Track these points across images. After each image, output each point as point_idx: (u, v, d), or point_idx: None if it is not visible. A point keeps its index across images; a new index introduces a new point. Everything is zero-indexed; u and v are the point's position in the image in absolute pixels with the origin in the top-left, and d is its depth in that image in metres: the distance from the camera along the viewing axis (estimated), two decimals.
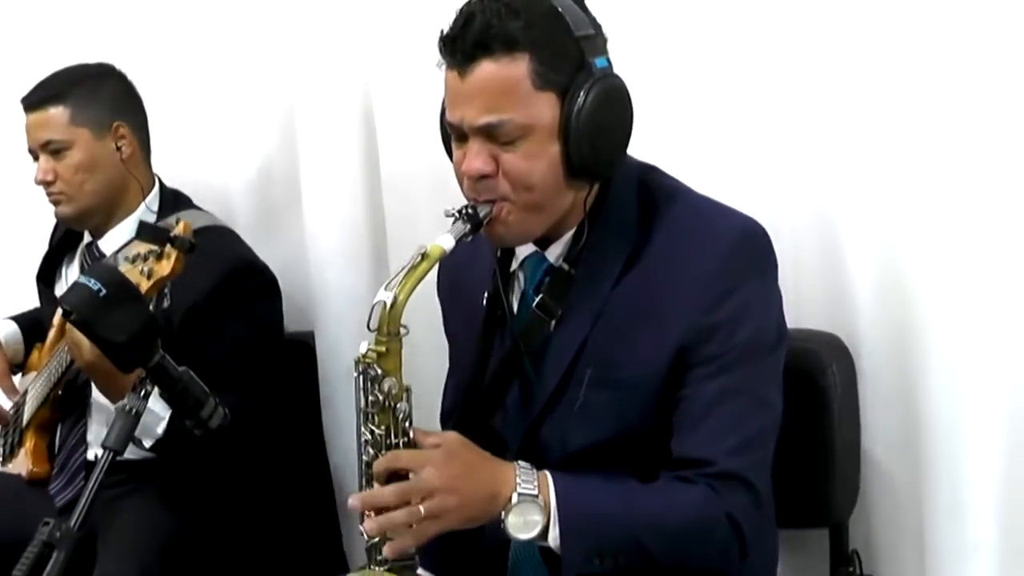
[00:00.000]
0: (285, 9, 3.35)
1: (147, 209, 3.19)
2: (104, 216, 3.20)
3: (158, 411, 2.77)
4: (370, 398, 2.12)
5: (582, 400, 2.22)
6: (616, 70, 2.20)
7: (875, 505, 2.72)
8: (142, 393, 2.23)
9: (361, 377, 2.13)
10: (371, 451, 2.13)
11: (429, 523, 2.06)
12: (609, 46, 2.21)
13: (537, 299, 2.26)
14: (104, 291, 2.16)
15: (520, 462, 2.14)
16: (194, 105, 3.57)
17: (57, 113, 3.14)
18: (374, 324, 2.10)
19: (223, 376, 2.55)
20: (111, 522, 3.03)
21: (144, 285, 2.46)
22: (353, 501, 2.12)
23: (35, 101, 3.17)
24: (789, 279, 2.56)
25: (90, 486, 2.19)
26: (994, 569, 2.58)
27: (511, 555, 2.32)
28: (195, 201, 3.31)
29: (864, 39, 2.64)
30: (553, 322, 2.24)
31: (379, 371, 2.11)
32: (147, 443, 2.81)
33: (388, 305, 2.09)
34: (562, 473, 2.15)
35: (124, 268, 2.46)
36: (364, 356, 2.12)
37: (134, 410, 2.21)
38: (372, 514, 2.09)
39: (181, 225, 2.54)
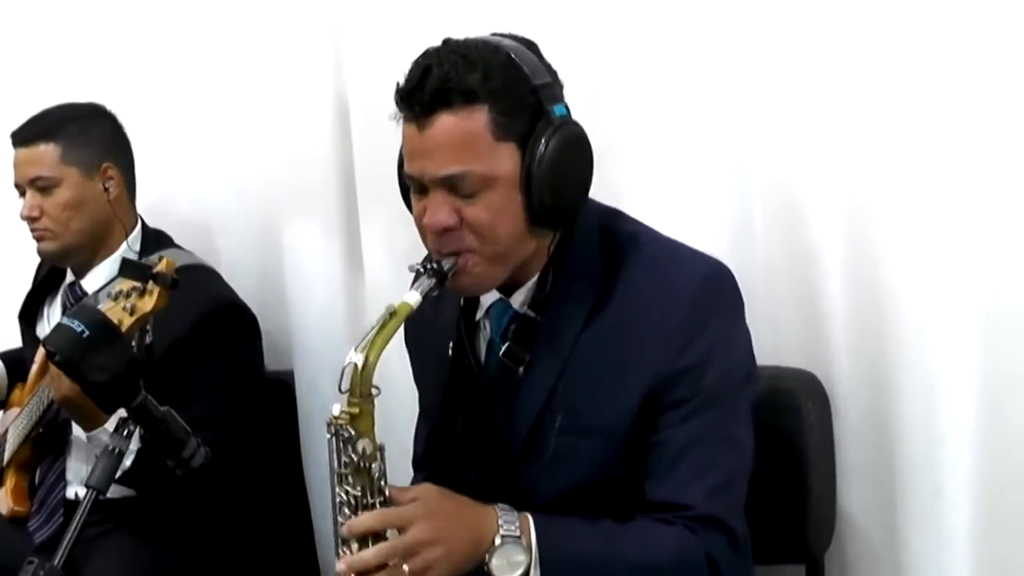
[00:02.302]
0: (267, 49, 3.37)
1: (129, 249, 3.21)
2: (87, 254, 3.22)
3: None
4: (343, 459, 2.11)
5: (553, 448, 2.22)
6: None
7: (850, 541, 2.74)
8: (124, 433, 2.26)
9: (334, 439, 2.11)
10: (347, 512, 2.12)
11: None
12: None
13: (504, 347, 2.26)
14: (87, 332, 2.19)
15: (500, 504, 2.14)
16: (176, 146, 3.60)
17: (48, 150, 3.16)
18: (345, 386, 2.09)
19: (203, 414, 2.57)
20: (91, 562, 3.04)
21: (127, 321, 2.48)
22: (340, 566, 2.10)
23: (26, 137, 3.19)
24: (764, 316, 2.64)
25: (73, 525, 2.22)
26: None
27: None
28: (177, 241, 3.33)
29: (838, 52, 2.66)
30: (521, 369, 2.24)
31: (352, 432, 2.09)
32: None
33: (359, 367, 2.08)
34: (542, 514, 2.15)
35: (107, 305, 2.49)
36: (337, 418, 2.10)
37: (117, 449, 2.25)
38: None
39: (163, 262, 2.56)
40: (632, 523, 2.18)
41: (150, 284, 2.52)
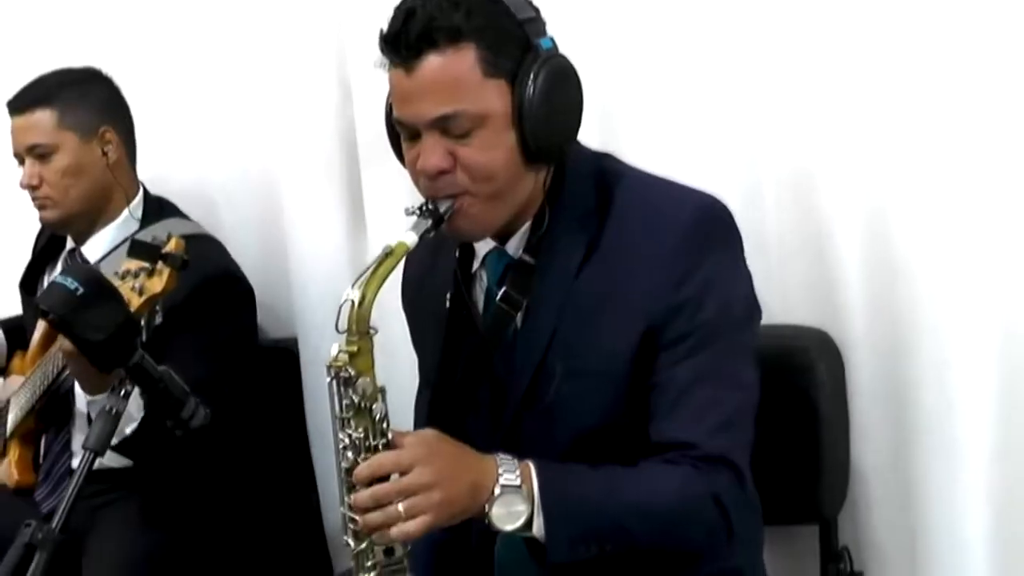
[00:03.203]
0: (269, 22, 3.35)
1: (131, 216, 3.20)
2: (88, 222, 3.20)
3: (131, 412, 2.72)
4: (345, 402, 2.10)
5: (555, 395, 2.21)
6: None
7: (865, 501, 2.72)
8: (122, 393, 2.23)
9: (334, 381, 2.10)
10: (350, 456, 2.09)
11: (414, 521, 2.03)
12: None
13: (500, 293, 2.25)
14: (81, 290, 2.15)
15: (501, 454, 2.13)
16: (178, 112, 3.57)
17: (44, 116, 3.14)
18: (343, 325, 2.08)
19: (198, 380, 2.52)
20: (94, 531, 3.03)
21: (135, 302, 2.48)
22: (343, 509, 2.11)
23: (22, 104, 3.17)
24: (775, 273, 2.62)
25: (72, 487, 2.19)
26: (986, 563, 2.59)
27: (496, 556, 2.30)
28: (180, 209, 3.31)
29: (853, 23, 2.64)
30: (519, 315, 2.24)
31: (352, 372, 2.08)
32: (113, 440, 2.75)
33: (356, 303, 2.07)
34: (545, 461, 2.13)
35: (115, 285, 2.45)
36: (335, 359, 2.09)
37: (114, 410, 2.22)
38: (358, 522, 2.08)
39: (173, 242, 2.55)
40: (636, 468, 2.16)
41: (159, 264, 2.50)
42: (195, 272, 2.92)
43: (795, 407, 2.59)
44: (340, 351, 2.09)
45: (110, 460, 2.87)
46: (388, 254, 2.10)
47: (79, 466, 2.20)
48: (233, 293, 3.15)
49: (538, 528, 2.10)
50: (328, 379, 2.10)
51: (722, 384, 2.17)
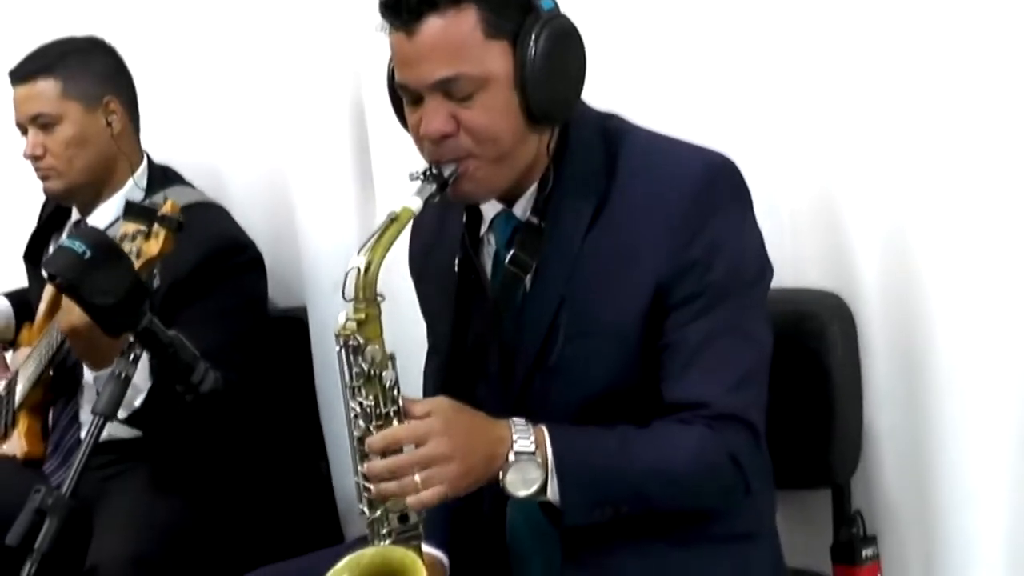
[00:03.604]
0: None
1: (135, 186, 3.18)
2: (93, 192, 3.19)
3: (138, 384, 2.75)
4: (355, 370, 2.10)
5: (564, 357, 2.21)
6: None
7: (878, 464, 2.70)
8: (131, 357, 2.24)
9: (343, 350, 2.11)
10: (361, 424, 2.11)
11: (429, 492, 2.05)
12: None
13: (509, 255, 2.25)
14: (89, 253, 2.16)
15: (515, 419, 2.13)
16: (184, 83, 3.58)
17: (48, 86, 3.13)
18: (350, 292, 2.09)
19: (209, 350, 2.54)
20: (105, 501, 3.03)
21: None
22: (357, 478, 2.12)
23: (25, 73, 3.15)
24: (787, 235, 2.61)
25: (81, 452, 2.20)
26: (1001, 526, 2.58)
27: (508, 520, 2.31)
28: (185, 178, 3.31)
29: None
30: (528, 277, 2.23)
31: (360, 340, 2.09)
32: (122, 414, 2.75)
33: (362, 270, 2.08)
34: (559, 426, 2.14)
35: None
36: (343, 327, 2.10)
37: (123, 374, 2.23)
38: (371, 490, 2.10)
39: (168, 204, 2.54)
40: (650, 429, 2.17)
41: (155, 227, 2.50)
42: (202, 240, 2.98)
43: (807, 371, 2.58)
44: (348, 319, 2.10)
45: (119, 431, 2.97)
46: (393, 220, 2.10)
47: (89, 431, 2.22)
48: (241, 260, 3.14)
49: (553, 493, 2.12)
50: (337, 348, 2.11)
51: (735, 342, 2.17)
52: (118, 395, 2.22)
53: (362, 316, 2.09)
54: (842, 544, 2.69)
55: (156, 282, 2.56)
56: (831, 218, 2.72)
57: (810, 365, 2.59)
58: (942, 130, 2.56)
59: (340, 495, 3.35)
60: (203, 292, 3.00)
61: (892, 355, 2.67)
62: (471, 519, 2.34)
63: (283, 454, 3.29)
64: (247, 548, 2.98)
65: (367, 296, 2.09)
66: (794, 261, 2.67)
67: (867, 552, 2.68)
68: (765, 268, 2.26)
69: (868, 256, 2.68)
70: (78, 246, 2.16)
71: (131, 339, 2.25)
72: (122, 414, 2.76)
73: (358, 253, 2.10)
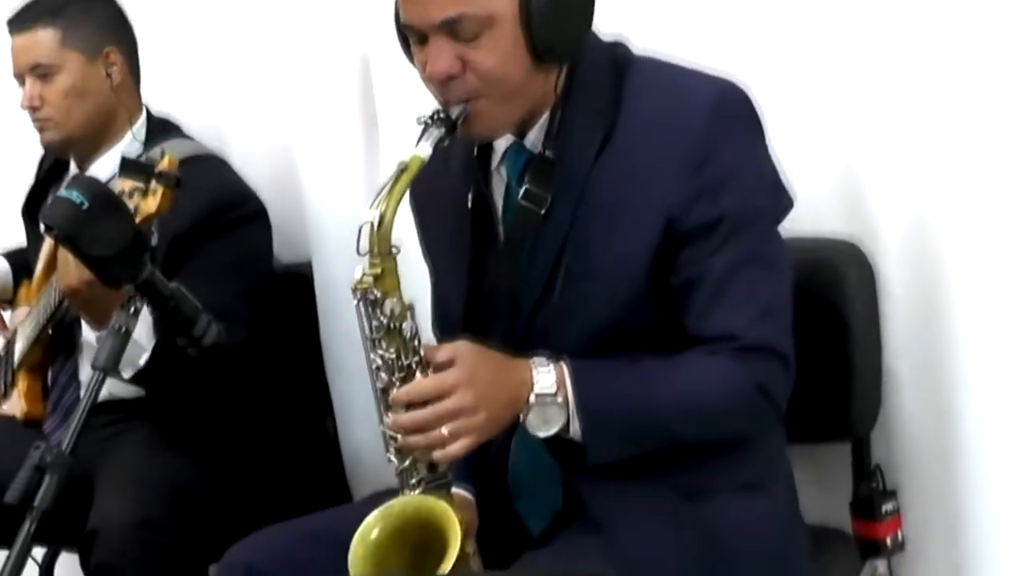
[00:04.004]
0: None
1: (134, 138, 3.15)
2: (90, 144, 3.16)
3: (142, 342, 2.74)
4: (374, 323, 2.12)
5: (566, 293, 2.21)
6: None
7: (898, 417, 2.68)
8: (131, 310, 2.21)
9: (361, 303, 2.12)
10: (384, 376, 2.12)
11: (458, 444, 2.07)
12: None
13: (522, 191, 2.24)
14: (87, 204, 2.14)
15: (536, 358, 2.15)
16: (185, 35, 3.54)
17: (47, 35, 3.08)
18: (364, 247, 2.10)
19: (215, 307, 2.51)
20: (107, 461, 3.01)
21: None
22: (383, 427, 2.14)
23: (24, 21, 3.11)
24: (802, 181, 2.52)
25: (81, 408, 2.18)
26: None
27: (511, 465, 2.33)
28: (185, 130, 3.28)
29: None
30: (542, 212, 2.22)
31: (378, 294, 2.10)
32: (127, 373, 2.79)
33: (375, 225, 2.09)
34: (581, 361, 2.15)
35: None
36: (360, 281, 2.11)
37: (123, 328, 2.20)
38: (398, 439, 2.12)
39: (166, 160, 2.51)
40: (675, 361, 2.18)
41: (153, 183, 2.47)
42: (202, 193, 2.95)
43: (824, 321, 2.56)
44: (364, 274, 2.11)
45: (120, 390, 2.97)
46: (403, 170, 2.11)
47: (89, 386, 2.20)
48: (244, 212, 3.10)
49: (575, 432, 2.14)
50: (355, 301, 2.13)
51: (758, 271, 2.18)
52: (118, 349, 2.19)
53: (378, 270, 2.11)
54: (862, 499, 2.68)
55: (154, 240, 2.51)
56: (848, 162, 2.69)
57: (827, 315, 2.57)
58: (966, 73, 2.53)
59: (347, 453, 3.33)
60: (206, 247, 2.97)
61: (912, 304, 2.64)
62: (476, 462, 2.35)
63: (289, 412, 3.26)
64: (253, 507, 2.95)
65: (382, 250, 2.10)
66: (810, 207, 2.61)
67: (887, 507, 2.66)
68: (782, 196, 2.26)
69: (887, 202, 2.65)
70: (76, 196, 2.14)
71: (131, 292, 2.23)
72: (127, 373, 2.80)
73: (370, 207, 2.11)
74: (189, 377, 2.79)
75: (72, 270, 2.64)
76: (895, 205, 2.64)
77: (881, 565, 2.68)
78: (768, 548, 2.26)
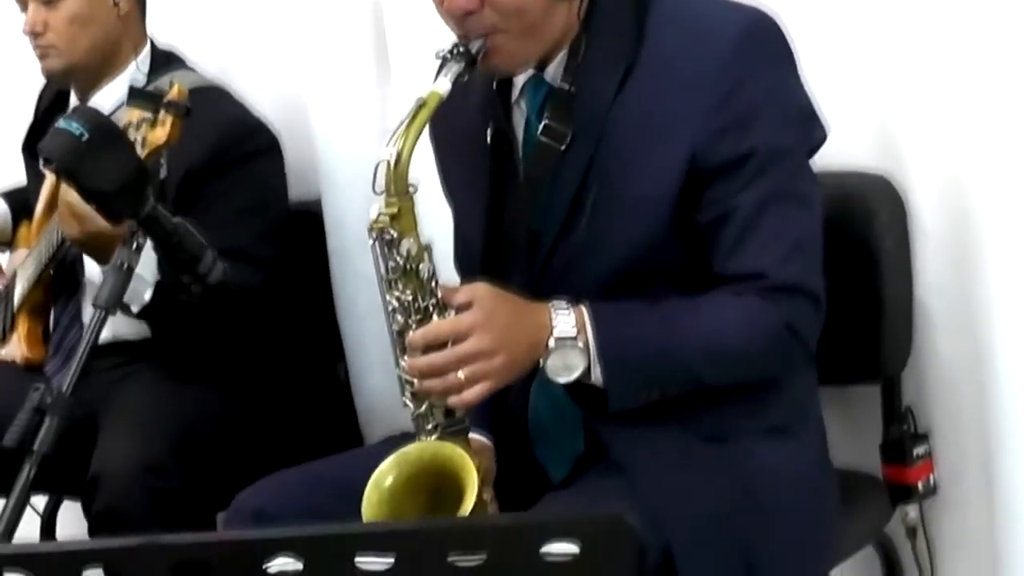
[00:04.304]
0: None
1: (137, 69, 3.10)
2: (92, 75, 3.10)
3: (146, 277, 2.71)
4: (390, 264, 2.10)
5: (588, 230, 2.19)
6: None
7: (930, 357, 2.66)
8: (134, 246, 2.19)
9: (377, 243, 2.11)
10: (400, 319, 2.11)
11: (475, 388, 2.06)
12: None
13: (542, 125, 2.21)
14: (87, 135, 2.11)
15: (556, 301, 2.13)
16: None
17: None
18: (380, 186, 2.09)
19: (229, 248, 2.52)
20: (111, 405, 2.97)
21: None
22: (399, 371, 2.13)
23: None
24: (832, 114, 2.44)
25: (82, 347, 2.17)
26: None
27: (531, 411, 2.31)
28: (189, 63, 3.23)
29: None
30: (563, 148, 2.20)
31: (395, 234, 2.09)
32: (135, 308, 2.76)
33: (392, 163, 2.08)
34: (601, 304, 2.12)
35: None
36: (376, 221, 2.09)
37: (126, 264, 2.19)
38: (414, 384, 2.11)
39: (175, 89, 2.49)
40: (699, 301, 2.16)
41: (162, 113, 2.44)
42: (211, 127, 2.91)
43: (854, 259, 2.54)
44: (380, 213, 2.10)
45: (125, 330, 2.97)
46: (421, 106, 2.09)
47: (90, 326, 2.18)
48: (257, 145, 3.07)
49: (596, 377, 2.12)
50: (371, 241, 2.12)
51: (788, 207, 2.15)
52: (120, 287, 2.17)
53: (395, 209, 2.09)
54: (892, 442, 2.66)
55: (163, 172, 2.49)
56: (880, 94, 2.65)
57: (857, 253, 2.56)
58: (1006, 3, 2.49)
59: (359, 397, 3.31)
60: (218, 185, 2.95)
61: (945, 239, 2.61)
62: (495, 408, 2.33)
63: (299, 354, 3.22)
64: (263, 452, 2.93)
65: (399, 189, 2.09)
66: (840, 141, 2.53)
67: (919, 450, 2.64)
68: (815, 128, 2.23)
69: (919, 135, 2.61)
70: (75, 128, 2.11)
71: (133, 228, 2.20)
72: (135, 307, 2.77)
73: (387, 144, 2.09)
74: (197, 315, 2.77)
75: (72, 220, 2.60)
76: (928, 138, 2.60)
77: (912, 510, 2.67)
78: (796, 493, 2.23)
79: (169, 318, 2.84)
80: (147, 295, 2.76)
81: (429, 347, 2.07)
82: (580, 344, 2.09)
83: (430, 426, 2.14)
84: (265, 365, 3.12)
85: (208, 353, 3.02)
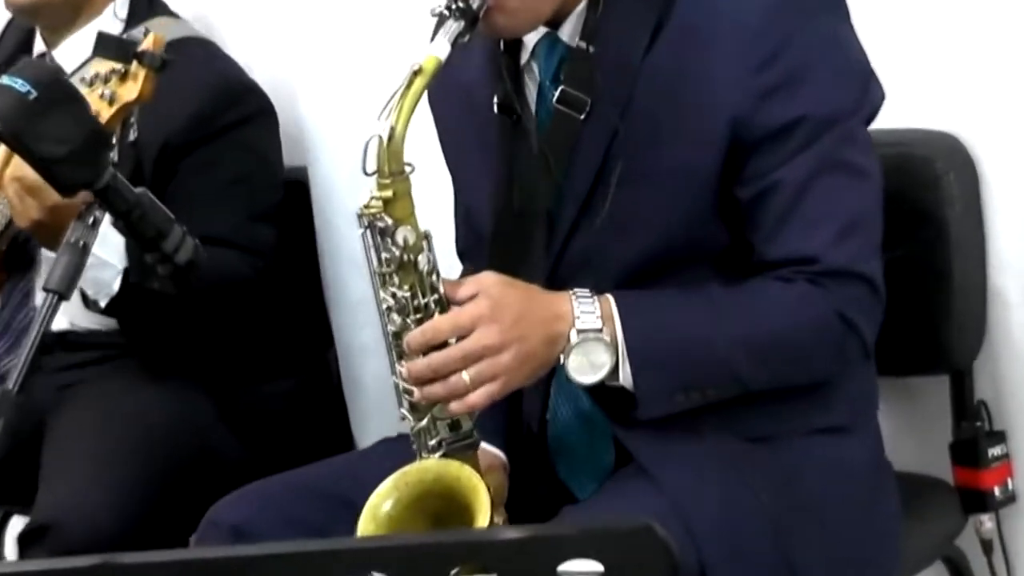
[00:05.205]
0: None
1: (114, 16, 3.09)
2: (63, 17, 3.08)
3: (112, 261, 2.71)
4: (384, 256, 2.07)
5: (613, 207, 2.17)
6: None
7: (1006, 346, 2.66)
8: (91, 221, 2.15)
9: (368, 232, 2.08)
10: (397, 318, 2.08)
11: (481, 391, 2.04)
12: None
13: (557, 92, 2.20)
14: (34, 92, 2.06)
15: (577, 290, 2.11)
16: None
17: None
18: (372, 166, 2.05)
19: (216, 230, 2.54)
20: (62, 417, 2.97)
21: (105, 113, 2.33)
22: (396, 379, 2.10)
23: None
24: (893, 68, 2.49)
25: (31, 339, 2.12)
26: None
27: (551, 419, 2.30)
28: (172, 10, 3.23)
29: None
30: (582, 116, 2.19)
31: (389, 221, 2.06)
32: (103, 302, 2.75)
33: (385, 139, 2.04)
34: (628, 293, 2.12)
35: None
36: (367, 207, 2.07)
37: (81, 242, 2.13)
38: (414, 393, 2.08)
39: (150, 38, 2.43)
40: (741, 289, 2.15)
41: (134, 65, 2.38)
42: (197, 86, 2.94)
43: (918, 231, 2.55)
44: (372, 196, 2.07)
45: (85, 320, 2.98)
46: (417, 73, 2.05)
47: (40, 312, 2.13)
48: (249, 110, 3.07)
49: (625, 379, 2.10)
50: (361, 230, 2.09)
51: (839, 180, 2.14)
52: (73, 268, 2.13)
53: (389, 193, 2.05)
54: (963, 442, 2.65)
55: (134, 133, 2.44)
56: (947, 43, 2.64)
57: (921, 223, 2.56)
58: None
59: (350, 389, 3.33)
60: (204, 155, 2.94)
61: (1022, 210, 2.61)
62: (508, 417, 2.33)
63: (284, 341, 3.22)
64: (242, 460, 2.94)
65: (393, 169, 2.05)
66: (898, 93, 2.51)
67: (994, 451, 2.64)
68: (870, 89, 2.21)
69: (992, 90, 2.61)
70: (20, 84, 2.07)
71: (90, 199, 2.15)
72: (103, 301, 2.76)
73: (379, 118, 2.05)
74: (176, 310, 2.77)
75: (27, 188, 2.59)
76: (1001, 92, 2.60)
77: (987, 520, 2.66)
78: (852, 500, 2.25)
79: (142, 313, 2.83)
80: (115, 284, 2.75)
81: (429, 347, 2.05)
82: (606, 336, 2.07)
83: (433, 442, 2.11)
84: (245, 359, 3.11)
85: (183, 351, 3.01)
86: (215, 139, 2.96)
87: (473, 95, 2.34)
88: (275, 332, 3.18)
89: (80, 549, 2.64)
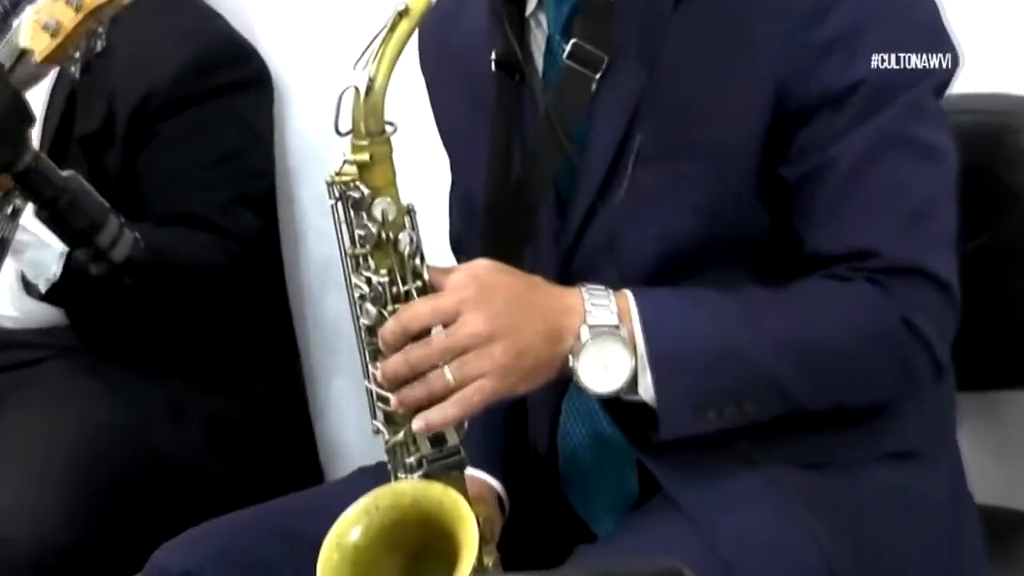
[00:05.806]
0: None
1: None
2: None
3: (51, 241, 2.63)
4: (358, 232, 1.98)
5: (636, 186, 2.09)
6: None
7: None
8: (10, 211, 2.19)
9: (339, 203, 2.00)
10: (371, 309, 1.98)
11: (473, 389, 1.93)
12: None
13: (568, 47, 2.12)
14: None
15: (588, 283, 2.02)
16: None
17: None
18: (346, 124, 1.97)
19: (195, 213, 2.52)
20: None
21: (68, 17, 2.23)
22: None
23: None
24: (970, 28, 2.38)
25: None
26: None
27: (561, 440, 2.22)
28: None
29: None
30: (597, 77, 2.11)
31: (365, 191, 1.97)
32: (43, 287, 2.71)
33: (363, 92, 1.96)
34: (647, 289, 2.04)
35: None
36: (339, 173, 1.99)
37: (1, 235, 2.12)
38: (390, 401, 2.00)
39: None
40: (785, 287, 2.06)
41: None
42: (182, 39, 2.95)
43: (1002, 214, 2.44)
44: (345, 161, 1.99)
45: (23, 315, 3.00)
46: (402, 15, 1.96)
47: None
48: (244, 75, 3.08)
49: (645, 389, 2.00)
50: (331, 201, 2.01)
51: (904, 160, 2.05)
52: None
53: (366, 156, 1.96)
54: None
55: (101, 44, 2.34)
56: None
57: (1005, 206, 2.44)
58: None
59: (317, 412, 3.36)
60: (186, 120, 2.92)
61: None
62: (507, 438, 2.30)
63: (243, 346, 3.19)
64: (193, 493, 2.91)
65: (371, 128, 1.96)
66: (981, 57, 2.45)
67: None
68: (944, 50, 2.10)
69: None
70: None
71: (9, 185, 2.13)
72: (42, 286, 2.75)
73: (355, 67, 1.96)
74: (131, 300, 2.74)
75: None
76: None
77: None
78: (924, 536, 2.13)
79: (88, 302, 2.81)
80: (55, 267, 2.70)
81: (406, 339, 1.95)
82: (624, 333, 1.97)
83: (411, 459, 2.00)
84: (201, 359, 3.08)
85: (137, 347, 2.99)
86: (205, 101, 2.95)
87: (468, 53, 2.29)
88: (245, 330, 3.18)
89: (26, 561, 2.67)
